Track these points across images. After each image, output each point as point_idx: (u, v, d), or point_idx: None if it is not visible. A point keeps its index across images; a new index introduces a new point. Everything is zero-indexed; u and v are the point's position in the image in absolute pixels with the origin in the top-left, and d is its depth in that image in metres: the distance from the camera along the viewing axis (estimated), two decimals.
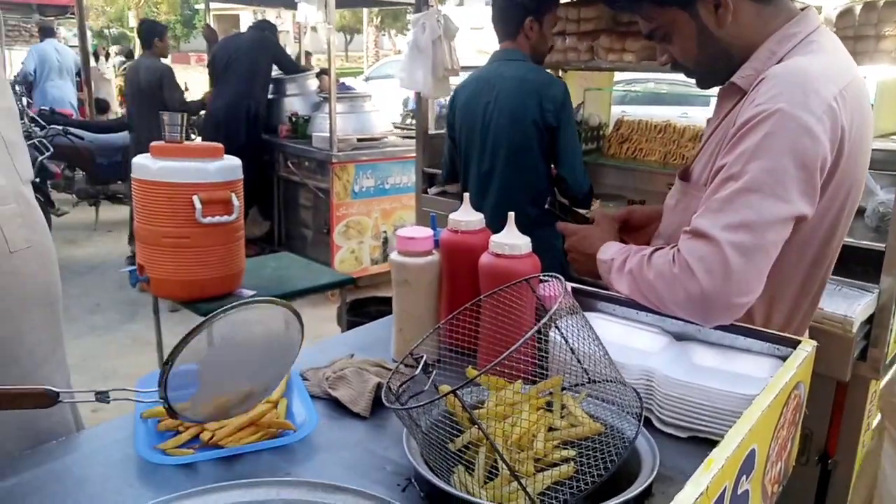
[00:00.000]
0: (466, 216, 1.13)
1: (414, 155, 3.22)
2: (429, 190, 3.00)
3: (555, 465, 0.83)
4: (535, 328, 0.80)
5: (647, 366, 0.99)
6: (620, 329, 1.10)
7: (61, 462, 0.89)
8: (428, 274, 1.14)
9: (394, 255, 1.15)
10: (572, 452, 0.84)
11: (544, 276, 0.92)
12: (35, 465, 0.88)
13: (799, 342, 1.00)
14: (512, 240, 1.03)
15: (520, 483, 0.76)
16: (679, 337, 1.08)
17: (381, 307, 3.66)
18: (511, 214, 1.03)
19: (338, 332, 3.19)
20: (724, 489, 0.68)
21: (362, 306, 3.88)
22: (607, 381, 0.91)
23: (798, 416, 0.98)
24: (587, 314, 1.05)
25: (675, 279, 1.05)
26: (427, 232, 1.14)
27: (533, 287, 0.95)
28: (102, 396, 0.80)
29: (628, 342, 1.06)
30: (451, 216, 1.14)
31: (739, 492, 0.74)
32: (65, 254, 5.50)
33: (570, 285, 1.12)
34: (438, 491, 0.80)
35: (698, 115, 4.64)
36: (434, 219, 1.26)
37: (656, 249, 1.12)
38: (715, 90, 1.28)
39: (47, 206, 5.22)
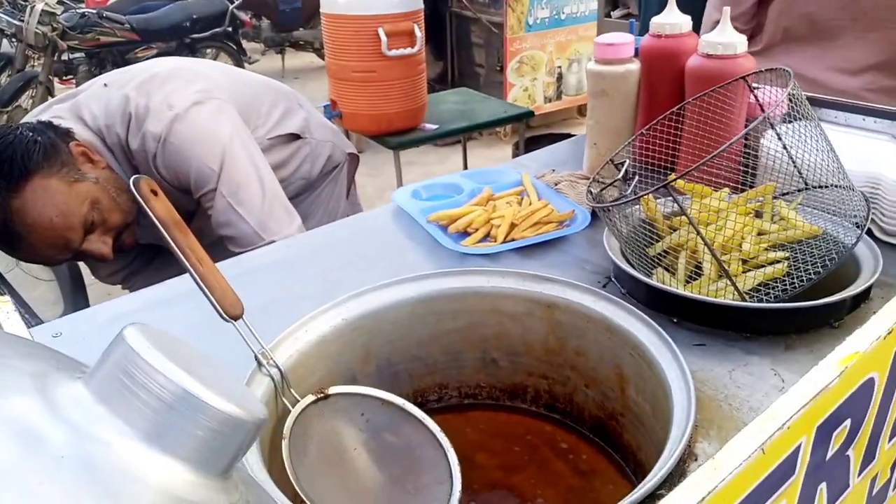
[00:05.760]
0: (671, 18, 1.06)
1: None
2: (612, 13, 2.81)
3: (764, 266, 0.82)
4: (754, 124, 0.76)
5: (874, 172, 0.91)
6: (844, 137, 1.01)
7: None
8: (627, 83, 1.10)
9: (591, 65, 1.12)
10: (784, 254, 0.81)
11: (765, 70, 0.85)
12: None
13: None
14: (726, 38, 0.96)
15: (729, 277, 0.77)
16: None
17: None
18: (726, 9, 0.95)
19: None
20: None
21: (537, 143, 3.87)
22: (829, 187, 0.85)
23: None
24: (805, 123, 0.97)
25: None
26: (627, 38, 1.08)
27: (751, 87, 0.88)
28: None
29: (853, 150, 0.97)
30: (654, 20, 1.07)
31: None
32: None
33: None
34: (642, 287, 0.82)
35: None
36: (633, 24, 1.19)
37: None
38: None
39: (240, 54, 5.58)
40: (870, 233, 0.92)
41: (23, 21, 4.41)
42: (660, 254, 0.88)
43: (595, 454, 0.79)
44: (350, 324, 0.77)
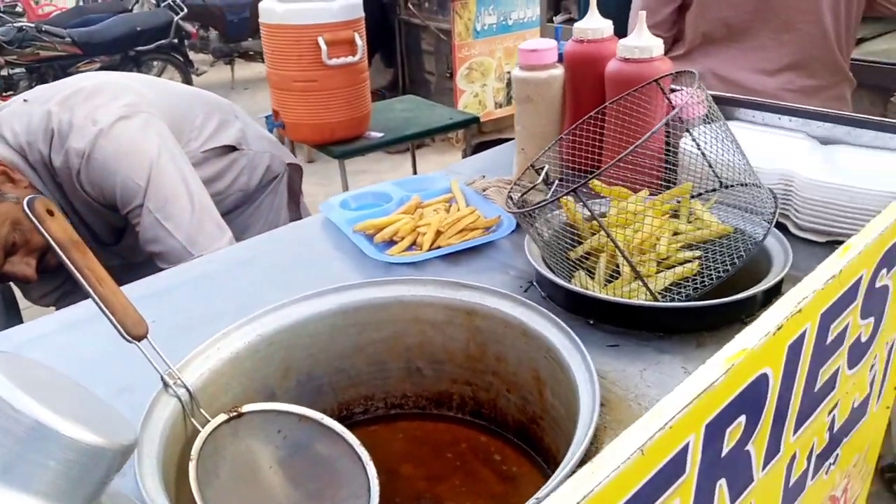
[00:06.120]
0: (593, 23, 1.07)
1: None
2: (554, 19, 2.84)
3: (675, 266, 0.83)
4: (659, 125, 0.77)
5: (787, 169, 0.94)
6: (761, 136, 1.03)
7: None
8: (551, 89, 1.11)
9: (516, 71, 1.12)
10: (696, 253, 0.83)
11: (677, 73, 0.87)
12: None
13: None
14: (642, 42, 0.97)
15: (640, 278, 0.78)
16: (825, 141, 1.01)
17: None
18: (642, 13, 0.97)
19: None
20: (860, 278, 0.65)
21: (487, 148, 3.89)
22: (741, 185, 0.87)
23: None
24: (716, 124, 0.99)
25: None
26: (550, 44, 1.09)
27: (664, 89, 0.90)
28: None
29: (768, 148, 1.00)
30: (576, 24, 1.09)
31: (878, 285, 0.71)
32: None
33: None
34: (560, 290, 0.83)
35: None
36: (559, 30, 1.20)
37: None
38: None
39: (187, 65, 5.50)
40: (785, 229, 0.95)
41: None
42: (582, 256, 0.89)
43: (519, 458, 0.79)
44: (266, 339, 0.76)
